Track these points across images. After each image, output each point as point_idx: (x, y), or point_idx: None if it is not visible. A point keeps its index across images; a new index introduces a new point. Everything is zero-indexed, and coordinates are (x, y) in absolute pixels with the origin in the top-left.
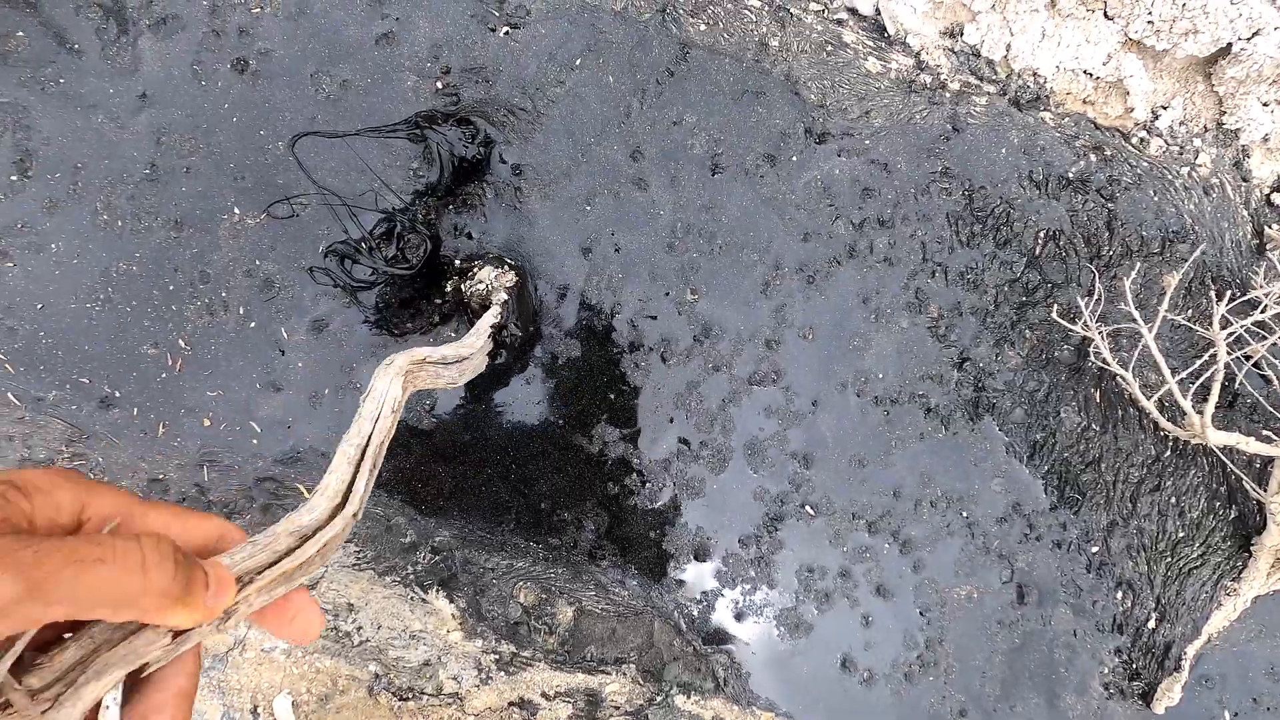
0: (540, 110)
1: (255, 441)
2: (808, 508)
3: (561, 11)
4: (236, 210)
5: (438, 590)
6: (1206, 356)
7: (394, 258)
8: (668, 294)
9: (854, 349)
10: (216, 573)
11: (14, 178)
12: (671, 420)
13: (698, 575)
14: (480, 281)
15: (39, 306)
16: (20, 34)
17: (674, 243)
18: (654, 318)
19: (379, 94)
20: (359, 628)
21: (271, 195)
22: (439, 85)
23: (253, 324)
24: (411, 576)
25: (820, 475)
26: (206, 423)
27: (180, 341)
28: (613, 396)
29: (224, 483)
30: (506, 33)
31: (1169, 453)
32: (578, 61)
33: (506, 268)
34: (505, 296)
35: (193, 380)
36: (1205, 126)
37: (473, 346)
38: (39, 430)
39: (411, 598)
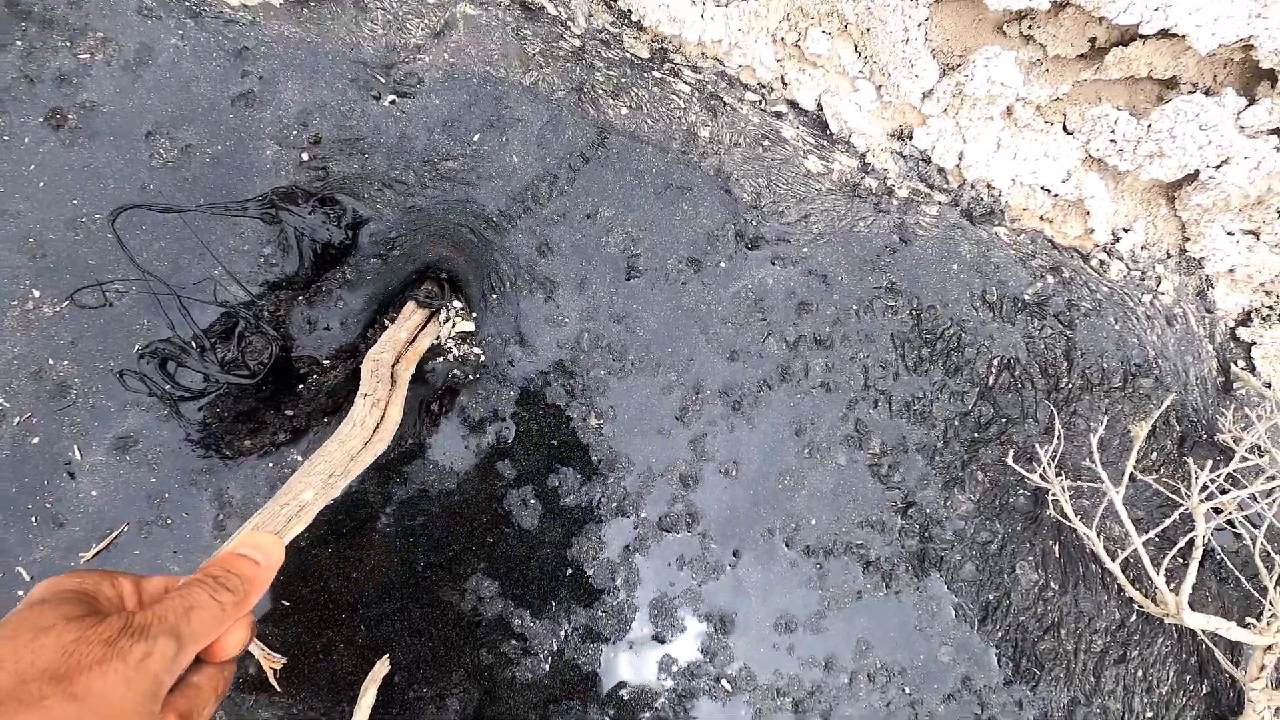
0: (426, 188)
1: (20, 594)
2: (724, 682)
3: (460, 81)
4: (35, 293)
5: None
6: (1177, 515)
7: (231, 361)
8: (568, 417)
9: (784, 489)
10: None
11: None
12: (564, 572)
13: None
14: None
15: None
16: None
17: (578, 357)
18: (549, 443)
19: (230, 164)
20: None
21: (80, 279)
22: (305, 157)
23: (35, 439)
24: None
25: (740, 642)
26: None
27: None
28: (492, 541)
29: None
30: (393, 101)
31: (1135, 617)
32: (475, 137)
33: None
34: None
35: None
36: (1168, 252)
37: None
38: None
39: None
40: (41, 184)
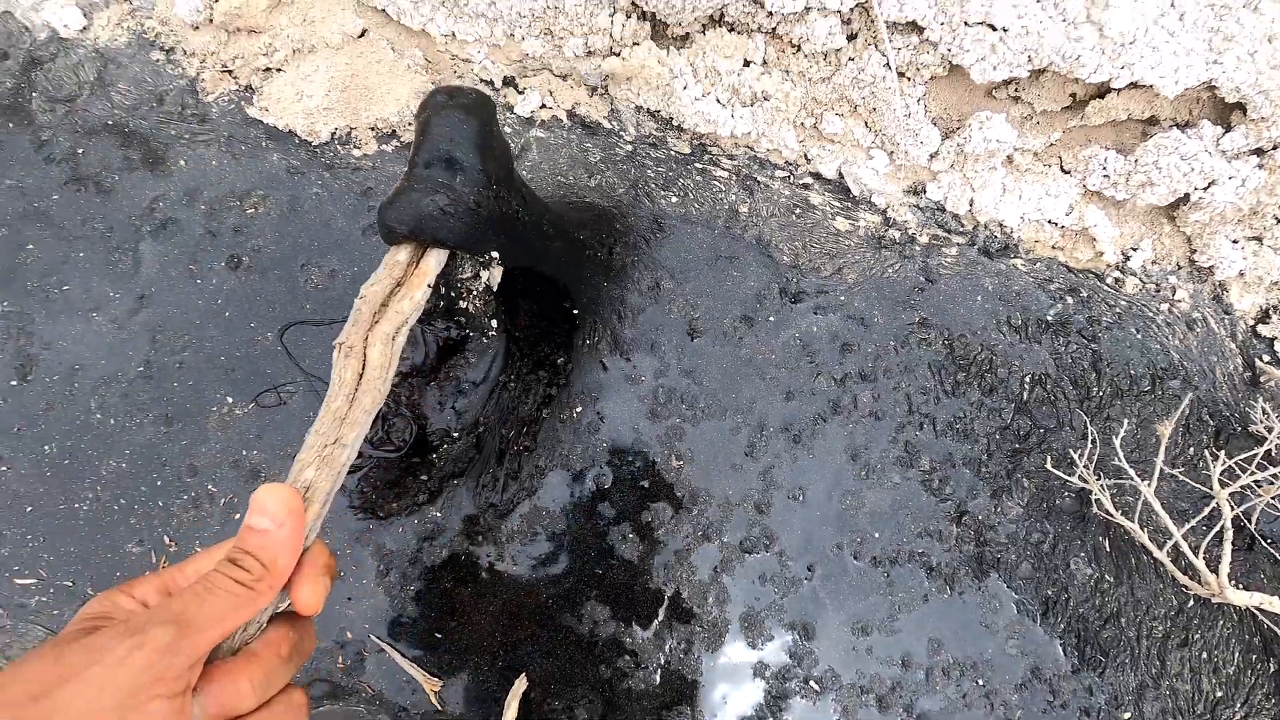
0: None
1: None
2: (812, 683)
3: (540, 191)
4: (229, 399)
5: None
6: (1212, 507)
7: (380, 440)
8: (652, 461)
9: (846, 508)
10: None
11: (14, 382)
12: (663, 594)
13: None
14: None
15: (28, 509)
16: (30, 246)
17: (656, 409)
18: (639, 486)
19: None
20: None
21: (260, 385)
22: None
23: (237, 516)
24: None
25: (823, 646)
26: None
27: (165, 538)
28: (600, 572)
29: None
30: None
31: (1192, 603)
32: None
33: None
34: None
35: None
36: (1178, 264)
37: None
38: (19, 640)
39: None
40: (227, 314)
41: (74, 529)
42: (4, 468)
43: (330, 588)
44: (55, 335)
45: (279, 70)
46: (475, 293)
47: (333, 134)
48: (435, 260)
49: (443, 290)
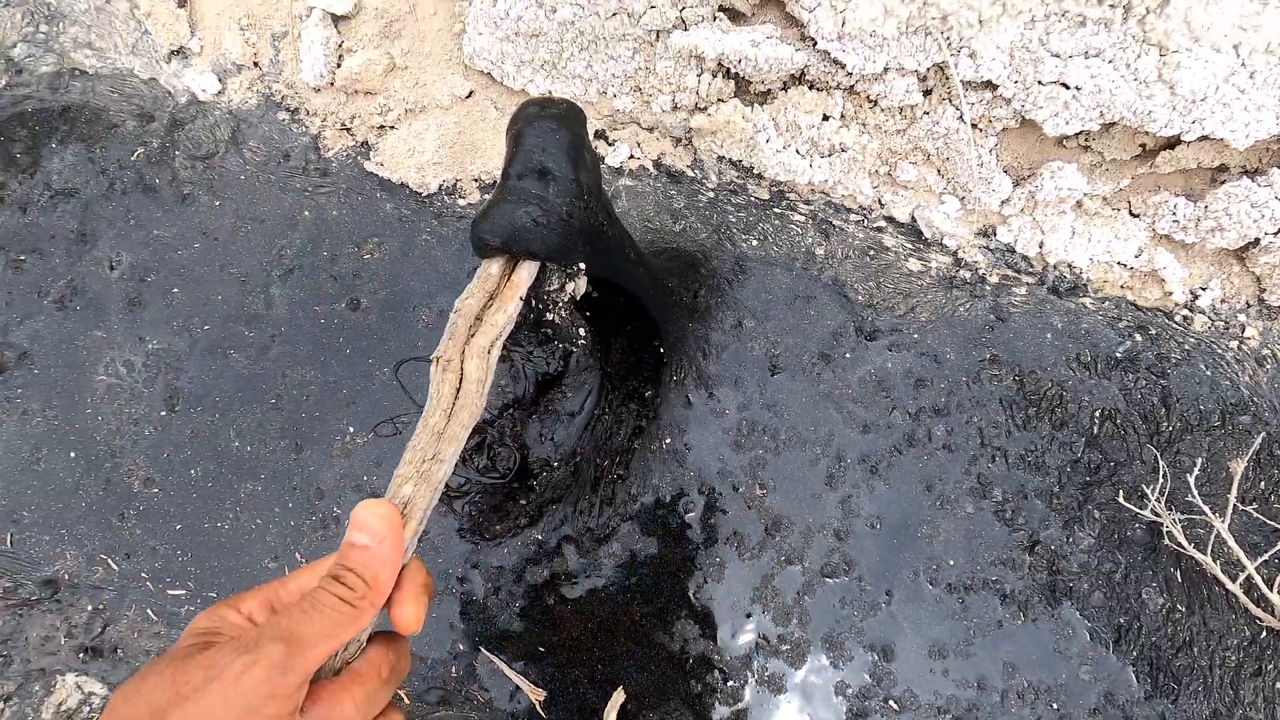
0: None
1: None
2: (891, 703)
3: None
4: (350, 429)
5: None
6: None
7: (485, 468)
8: (737, 489)
9: (922, 536)
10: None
11: (164, 413)
12: (749, 615)
13: None
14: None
15: (178, 527)
16: (175, 290)
17: (740, 441)
18: (725, 512)
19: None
20: None
21: (377, 416)
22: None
23: None
24: None
25: (901, 668)
26: None
27: (297, 555)
28: (691, 593)
29: None
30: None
31: (1265, 633)
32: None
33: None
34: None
35: None
36: (1247, 303)
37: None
38: (171, 646)
39: None
40: (348, 351)
41: (217, 545)
42: (156, 490)
43: (429, 606)
44: (199, 370)
45: (393, 128)
46: (561, 304)
47: (441, 185)
48: (527, 272)
49: (532, 303)
